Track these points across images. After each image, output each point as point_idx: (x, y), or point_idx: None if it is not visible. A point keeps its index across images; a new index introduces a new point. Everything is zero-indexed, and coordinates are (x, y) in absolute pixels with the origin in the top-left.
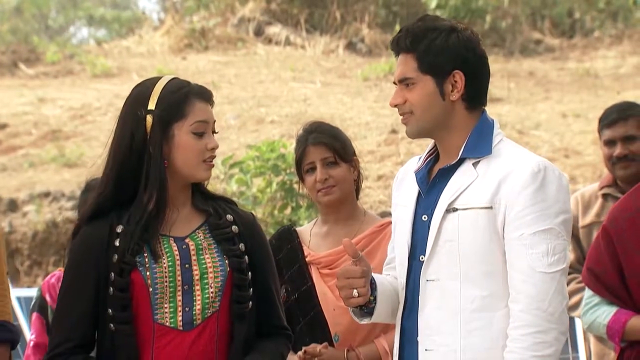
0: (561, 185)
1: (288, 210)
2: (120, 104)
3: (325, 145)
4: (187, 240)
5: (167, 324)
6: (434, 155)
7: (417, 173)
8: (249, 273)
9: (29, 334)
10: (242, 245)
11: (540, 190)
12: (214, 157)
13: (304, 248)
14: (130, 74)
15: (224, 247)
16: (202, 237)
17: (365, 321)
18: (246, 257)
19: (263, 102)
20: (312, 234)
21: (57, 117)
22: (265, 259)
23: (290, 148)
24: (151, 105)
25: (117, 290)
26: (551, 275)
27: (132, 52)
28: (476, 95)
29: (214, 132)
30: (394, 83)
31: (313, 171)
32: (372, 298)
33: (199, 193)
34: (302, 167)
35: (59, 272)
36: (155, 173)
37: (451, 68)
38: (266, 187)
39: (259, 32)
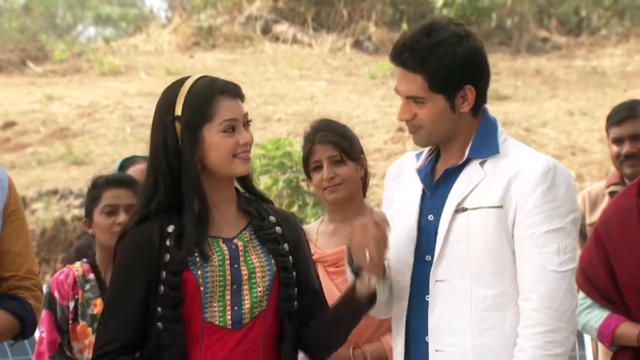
0: (570, 184)
1: (295, 208)
2: (128, 101)
3: (332, 143)
4: (235, 241)
5: (217, 322)
6: (435, 154)
7: (419, 171)
8: (294, 272)
9: (37, 331)
10: (286, 245)
11: (551, 190)
12: (248, 150)
13: (311, 246)
14: (138, 72)
15: (269, 247)
16: (248, 237)
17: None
18: (290, 256)
19: (270, 100)
20: (318, 232)
21: (65, 115)
22: (308, 256)
23: (296, 146)
24: (178, 111)
25: (169, 289)
26: (562, 274)
27: (140, 50)
28: (482, 100)
29: (247, 123)
30: (397, 92)
31: (320, 169)
32: (380, 289)
33: (242, 194)
34: (309, 165)
35: (67, 269)
36: (191, 178)
37: (462, 84)
38: (272, 185)
39: (266, 30)
